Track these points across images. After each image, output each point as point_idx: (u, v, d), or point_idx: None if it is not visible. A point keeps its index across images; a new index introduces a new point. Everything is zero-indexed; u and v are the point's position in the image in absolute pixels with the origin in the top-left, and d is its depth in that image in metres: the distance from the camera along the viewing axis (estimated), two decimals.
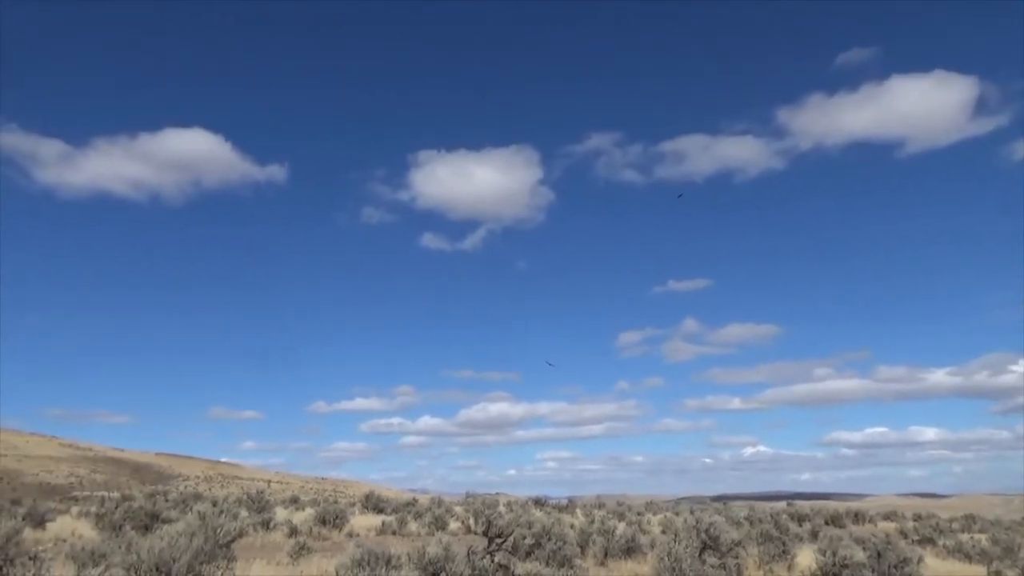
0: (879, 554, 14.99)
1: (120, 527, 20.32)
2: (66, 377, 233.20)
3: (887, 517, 51.51)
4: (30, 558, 12.31)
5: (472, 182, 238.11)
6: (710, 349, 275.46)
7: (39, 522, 22.71)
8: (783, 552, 17.88)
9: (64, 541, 18.80)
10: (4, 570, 11.27)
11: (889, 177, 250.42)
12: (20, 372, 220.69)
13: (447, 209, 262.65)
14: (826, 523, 36.84)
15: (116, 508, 22.75)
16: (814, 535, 26.20)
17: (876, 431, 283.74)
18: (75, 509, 35.54)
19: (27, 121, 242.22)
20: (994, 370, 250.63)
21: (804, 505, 52.17)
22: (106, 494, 57.22)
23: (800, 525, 30.88)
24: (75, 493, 71.05)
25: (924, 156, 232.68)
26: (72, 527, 23.30)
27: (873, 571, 14.48)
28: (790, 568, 16.94)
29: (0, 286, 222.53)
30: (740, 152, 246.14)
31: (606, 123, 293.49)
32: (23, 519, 20.54)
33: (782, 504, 61.80)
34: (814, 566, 15.05)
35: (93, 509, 26.58)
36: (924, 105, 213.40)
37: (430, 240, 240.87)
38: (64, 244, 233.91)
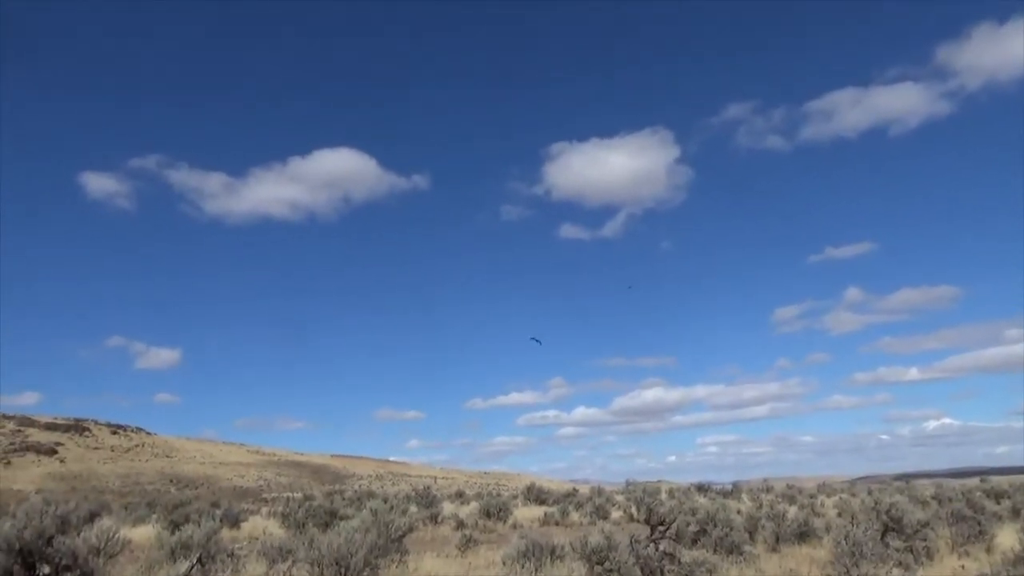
0: None
1: (303, 525, 21.78)
2: (250, 389, 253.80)
3: None
4: (228, 555, 13.47)
5: (606, 169, 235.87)
6: (879, 317, 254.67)
7: (234, 522, 24.79)
8: (979, 533, 16.33)
9: (256, 539, 20.41)
10: (206, 566, 12.38)
11: None
12: (212, 388, 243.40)
13: (583, 198, 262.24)
14: None
15: (299, 508, 24.41)
16: (1016, 513, 23.79)
17: None
18: (264, 509, 38.63)
19: (193, 159, 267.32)
20: None
21: (1001, 481, 47.46)
22: (290, 495, 61.85)
23: (998, 503, 28.12)
24: (264, 495, 77.31)
25: None
26: (263, 526, 25.28)
27: None
28: (989, 550, 15.43)
29: (189, 313, 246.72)
30: (897, 101, 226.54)
31: (742, 91, 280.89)
32: (221, 520, 22.52)
33: (975, 480, 56.66)
34: (1018, 547, 13.61)
35: (280, 509, 28.73)
36: None
37: (569, 230, 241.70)
38: (233, 267, 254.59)
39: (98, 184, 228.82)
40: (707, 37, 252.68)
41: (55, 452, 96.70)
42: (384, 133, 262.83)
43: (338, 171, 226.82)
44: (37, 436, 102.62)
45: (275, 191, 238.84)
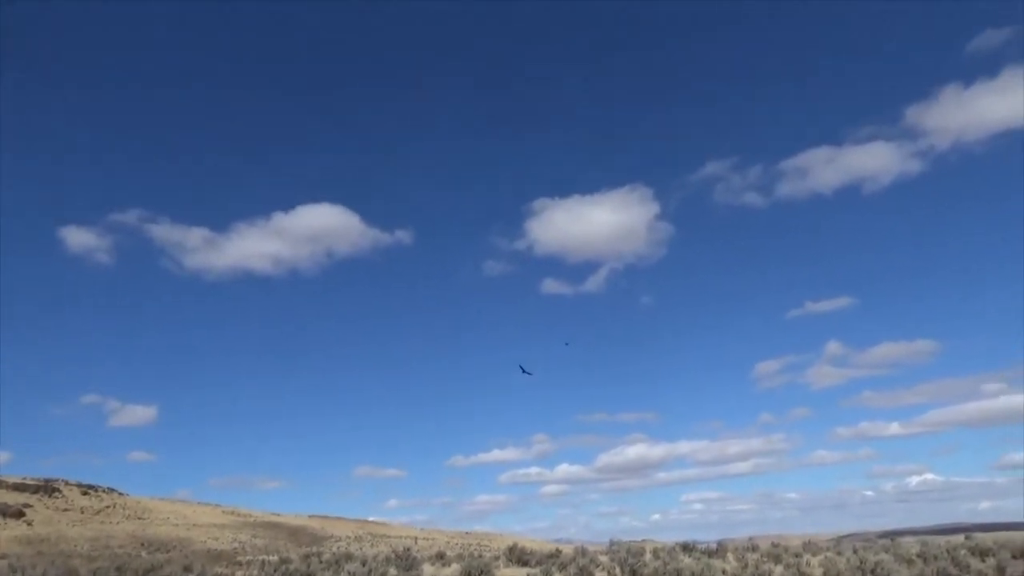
0: None
1: None
2: (227, 447, 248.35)
3: None
4: None
5: (588, 225, 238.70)
6: (859, 372, 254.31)
7: None
8: None
9: None
10: None
11: None
12: (188, 446, 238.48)
13: (565, 253, 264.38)
14: (1014, 557, 33.14)
15: (275, 571, 23.79)
16: (1001, 571, 23.69)
17: None
18: (239, 573, 37.50)
19: (175, 214, 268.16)
20: None
21: (985, 537, 47.21)
22: (266, 558, 60.03)
23: (983, 560, 27.96)
24: (239, 558, 74.99)
25: None
26: None
27: None
28: None
29: (166, 369, 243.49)
30: (869, 160, 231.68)
31: (720, 149, 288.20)
32: None
33: (959, 537, 56.36)
34: None
35: (255, 573, 27.92)
36: None
37: (551, 286, 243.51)
38: (212, 322, 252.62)
39: (78, 239, 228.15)
40: (685, 97, 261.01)
41: (23, 514, 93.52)
42: (367, 189, 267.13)
43: (321, 226, 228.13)
44: (4, 497, 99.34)
45: (257, 246, 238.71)
